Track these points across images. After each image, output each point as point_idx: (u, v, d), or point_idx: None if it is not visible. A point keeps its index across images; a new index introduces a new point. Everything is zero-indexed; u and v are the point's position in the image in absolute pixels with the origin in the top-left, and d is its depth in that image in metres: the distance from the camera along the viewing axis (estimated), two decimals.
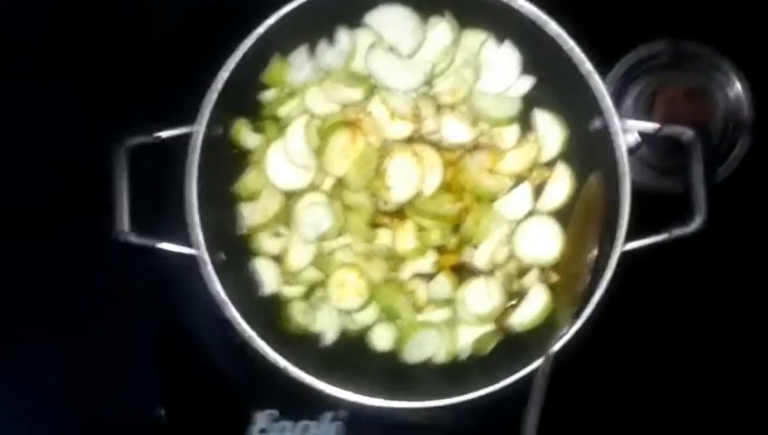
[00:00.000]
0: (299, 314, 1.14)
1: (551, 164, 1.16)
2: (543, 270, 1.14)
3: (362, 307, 1.12)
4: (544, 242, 1.13)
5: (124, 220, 1.02)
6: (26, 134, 1.27)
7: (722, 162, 1.25)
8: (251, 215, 1.14)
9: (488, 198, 1.13)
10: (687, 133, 1.00)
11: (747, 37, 1.26)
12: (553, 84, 1.12)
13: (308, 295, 1.16)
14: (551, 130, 1.15)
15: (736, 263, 1.24)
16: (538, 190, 1.16)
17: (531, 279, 1.14)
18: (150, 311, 1.24)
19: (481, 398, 1.02)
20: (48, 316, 1.25)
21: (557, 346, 1.00)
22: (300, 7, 1.03)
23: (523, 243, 1.13)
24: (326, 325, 1.14)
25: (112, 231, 1.02)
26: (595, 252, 1.03)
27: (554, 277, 1.14)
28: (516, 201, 1.14)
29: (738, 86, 1.26)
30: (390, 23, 1.10)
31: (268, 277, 1.14)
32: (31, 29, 1.29)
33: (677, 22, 1.26)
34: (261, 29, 1.03)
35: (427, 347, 1.12)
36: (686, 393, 1.23)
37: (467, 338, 1.14)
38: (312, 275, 1.14)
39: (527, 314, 1.12)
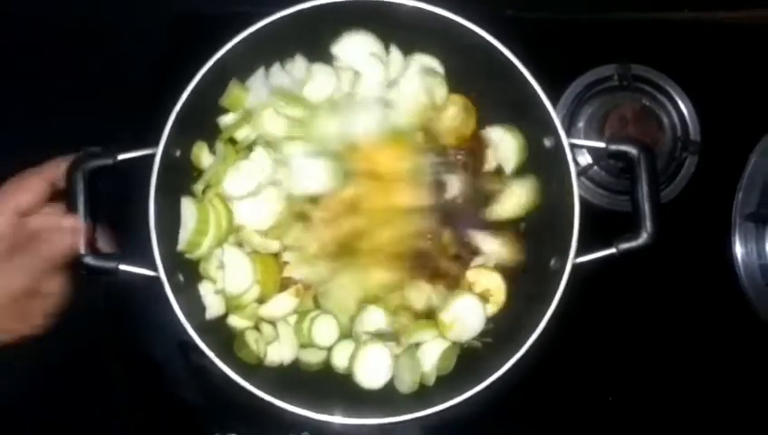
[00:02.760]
0: (252, 343, 1.11)
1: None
2: None
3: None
4: None
5: (82, 243, 1.01)
6: None
7: (670, 182, 1.30)
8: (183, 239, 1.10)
9: None
10: (632, 151, 1.03)
11: (693, 61, 1.32)
12: (508, 106, 1.15)
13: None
14: (505, 144, 1.17)
15: (684, 281, 1.28)
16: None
17: None
18: (108, 335, 1.23)
19: (444, 411, 1.02)
20: None
21: (518, 355, 1.01)
22: (258, 31, 1.05)
23: None
24: (282, 354, 1.13)
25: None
26: None
27: None
28: None
29: (685, 108, 1.31)
30: (357, 51, 1.12)
31: (212, 301, 1.11)
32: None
33: (627, 47, 1.32)
34: (219, 54, 1.05)
35: (382, 370, 1.10)
36: (637, 406, 1.26)
37: (431, 359, 1.12)
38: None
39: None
